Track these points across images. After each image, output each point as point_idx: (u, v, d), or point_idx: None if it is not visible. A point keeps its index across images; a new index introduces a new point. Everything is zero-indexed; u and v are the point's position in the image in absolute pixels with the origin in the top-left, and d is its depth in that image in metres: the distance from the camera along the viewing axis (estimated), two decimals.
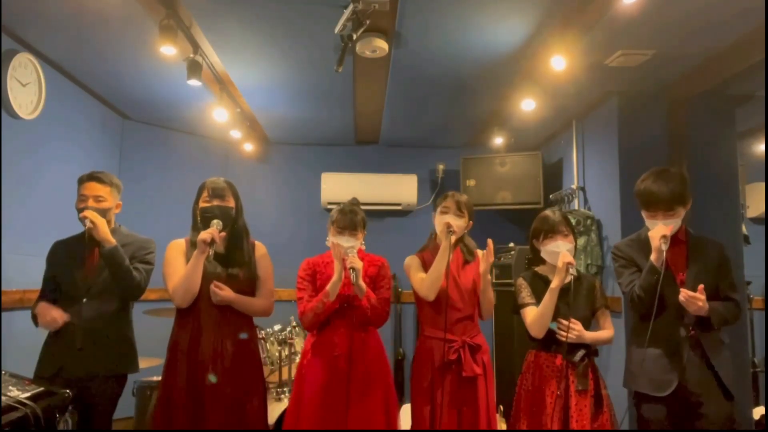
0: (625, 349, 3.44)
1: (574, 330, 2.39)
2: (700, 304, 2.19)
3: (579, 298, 2.49)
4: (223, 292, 2.37)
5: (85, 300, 2.49)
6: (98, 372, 2.44)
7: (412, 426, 2.56)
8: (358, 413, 2.42)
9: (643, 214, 2.39)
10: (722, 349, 2.32)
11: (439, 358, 2.47)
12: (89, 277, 2.52)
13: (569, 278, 2.44)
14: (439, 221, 2.55)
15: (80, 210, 2.52)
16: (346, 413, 2.41)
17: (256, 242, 2.62)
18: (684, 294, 2.20)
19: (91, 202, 2.54)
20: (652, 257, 2.27)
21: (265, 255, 2.61)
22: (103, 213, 2.53)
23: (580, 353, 2.42)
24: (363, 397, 2.45)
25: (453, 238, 2.46)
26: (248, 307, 2.48)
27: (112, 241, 2.46)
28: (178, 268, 2.42)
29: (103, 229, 2.44)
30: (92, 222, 2.43)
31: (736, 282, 2.42)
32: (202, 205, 2.48)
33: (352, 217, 2.54)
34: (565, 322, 2.39)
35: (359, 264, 2.42)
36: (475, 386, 2.47)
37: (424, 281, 2.50)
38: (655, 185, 2.30)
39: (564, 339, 2.37)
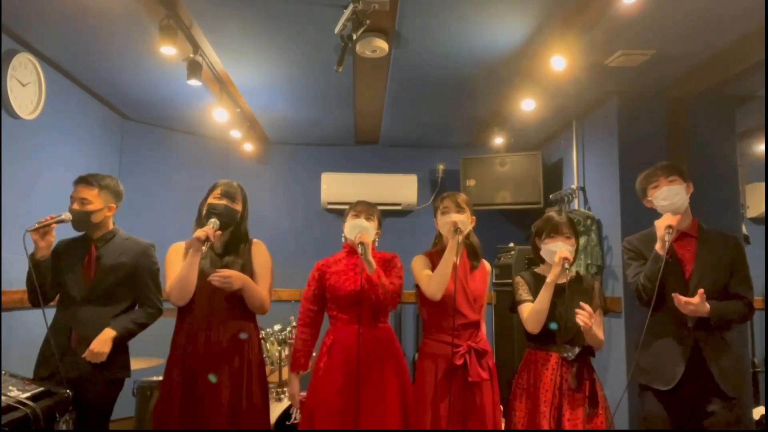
0: (625, 349, 3.47)
1: (590, 318, 2.31)
2: (691, 308, 2.20)
3: (576, 298, 2.49)
4: (231, 278, 2.34)
5: (82, 303, 2.50)
6: (91, 375, 2.44)
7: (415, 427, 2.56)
8: (375, 414, 2.39)
9: (650, 193, 2.42)
10: (725, 349, 2.31)
11: (444, 363, 2.45)
12: (87, 281, 2.53)
13: (566, 276, 2.44)
14: (444, 221, 2.51)
15: (70, 211, 2.54)
16: (360, 415, 2.38)
17: (255, 240, 2.62)
18: (676, 300, 2.21)
19: (76, 205, 2.55)
20: (657, 246, 2.30)
21: (264, 251, 2.60)
22: (87, 215, 2.54)
23: (576, 350, 2.42)
24: (379, 398, 2.41)
25: (460, 237, 2.42)
26: (255, 294, 2.44)
27: (107, 348, 2.44)
28: (177, 268, 2.43)
29: (102, 350, 2.43)
30: (93, 355, 2.42)
31: (750, 280, 2.41)
32: (210, 200, 2.49)
33: (370, 206, 2.62)
34: (587, 308, 2.32)
35: (368, 239, 2.42)
36: (481, 391, 2.45)
37: (432, 279, 2.45)
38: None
39: (581, 322, 2.30)
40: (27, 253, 2.45)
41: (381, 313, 2.55)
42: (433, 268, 2.52)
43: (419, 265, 2.56)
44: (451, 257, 2.41)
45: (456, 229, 2.40)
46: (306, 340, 2.56)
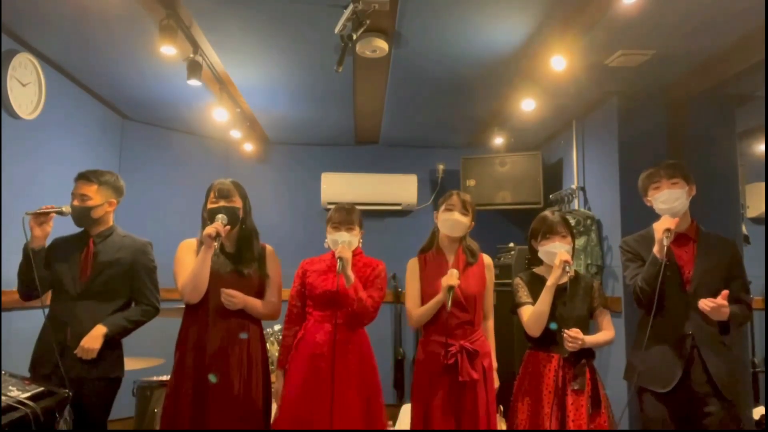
0: (625, 349, 3.47)
1: (578, 340, 2.36)
2: (725, 310, 2.17)
3: (576, 298, 2.49)
4: (236, 299, 2.39)
5: (78, 299, 2.50)
6: (85, 374, 2.43)
7: (411, 427, 2.56)
8: (335, 414, 2.37)
9: (650, 193, 2.42)
10: (722, 351, 2.31)
11: (438, 362, 2.45)
12: (84, 277, 2.53)
13: (566, 278, 2.44)
14: (445, 218, 2.53)
15: (71, 207, 2.54)
16: (321, 414, 2.37)
17: (268, 246, 2.64)
18: (708, 303, 2.17)
19: (76, 201, 2.57)
20: (655, 249, 2.29)
21: (276, 258, 2.64)
22: (87, 211, 2.55)
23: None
24: (340, 399, 2.39)
25: (450, 295, 2.39)
26: (258, 310, 2.50)
27: (98, 344, 2.43)
28: (188, 265, 2.43)
29: (92, 347, 2.42)
30: (83, 351, 2.41)
31: (747, 284, 2.41)
32: (209, 206, 2.50)
33: (348, 214, 2.58)
34: (572, 333, 2.35)
35: (347, 254, 2.43)
36: (474, 391, 2.44)
37: (414, 315, 2.53)
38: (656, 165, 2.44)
39: (572, 349, 2.36)
40: (26, 238, 2.45)
41: (356, 322, 2.54)
42: (426, 270, 2.55)
43: (409, 280, 2.60)
44: (436, 305, 2.45)
45: (449, 289, 2.39)
46: (290, 337, 2.58)
